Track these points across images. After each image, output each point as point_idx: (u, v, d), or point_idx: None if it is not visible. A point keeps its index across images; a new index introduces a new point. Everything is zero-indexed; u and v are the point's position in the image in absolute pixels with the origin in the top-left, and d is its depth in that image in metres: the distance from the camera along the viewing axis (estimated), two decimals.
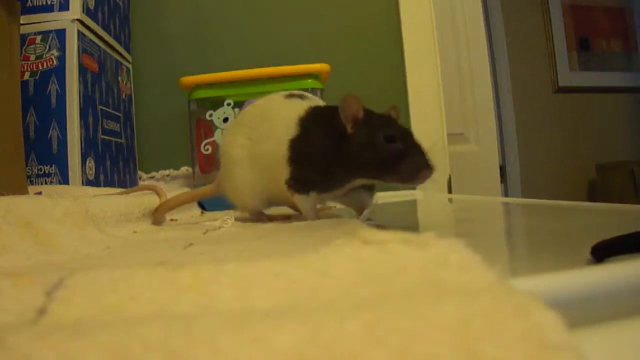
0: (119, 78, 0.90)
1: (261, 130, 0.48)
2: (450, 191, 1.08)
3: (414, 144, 0.40)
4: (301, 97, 0.49)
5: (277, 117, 0.47)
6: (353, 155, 0.41)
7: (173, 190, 0.73)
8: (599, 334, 0.17)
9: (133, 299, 0.16)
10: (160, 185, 1.00)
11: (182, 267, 0.17)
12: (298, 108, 0.46)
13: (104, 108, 0.80)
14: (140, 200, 0.52)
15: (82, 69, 0.71)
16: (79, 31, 0.70)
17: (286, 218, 0.51)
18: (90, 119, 0.74)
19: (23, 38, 0.67)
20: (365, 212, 0.46)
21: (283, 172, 0.45)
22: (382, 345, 0.11)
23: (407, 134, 0.41)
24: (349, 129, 0.41)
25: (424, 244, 0.17)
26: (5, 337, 0.12)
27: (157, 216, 0.53)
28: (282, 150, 0.44)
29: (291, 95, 0.50)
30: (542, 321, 0.12)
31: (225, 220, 0.49)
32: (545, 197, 0.81)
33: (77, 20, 0.70)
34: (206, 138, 0.83)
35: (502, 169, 1.65)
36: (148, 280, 0.17)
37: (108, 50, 0.84)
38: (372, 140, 0.40)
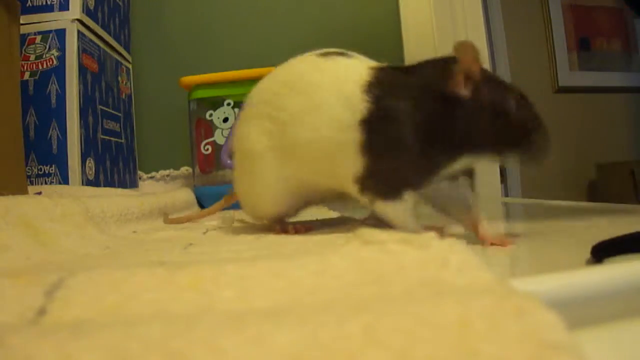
0: (119, 78, 0.90)
1: (293, 108, 0.35)
2: None
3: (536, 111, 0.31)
4: (344, 55, 0.36)
5: (321, 85, 0.34)
6: (470, 125, 0.30)
7: (173, 191, 0.73)
8: (599, 334, 0.17)
9: (133, 299, 0.16)
10: (160, 185, 1.00)
11: (182, 267, 0.17)
12: (355, 71, 0.33)
13: (103, 108, 0.80)
14: (140, 200, 0.52)
15: (82, 69, 0.71)
16: (78, 31, 0.70)
17: (309, 228, 0.40)
18: (90, 119, 0.74)
19: (23, 38, 0.67)
20: (477, 213, 0.33)
21: (346, 165, 0.32)
22: (382, 346, 0.11)
23: (527, 98, 0.31)
24: (464, 91, 0.30)
25: (424, 244, 0.17)
26: (5, 337, 0.12)
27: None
28: (345, 135, 0.32)
29: (328, 54, 0.37)
30: (542, 321, 0.12)
31: (225, 220, 0.49)
32: (545, 197, 0.80)
33: (77, 20, 0.70)
34: (206, 138, 0.83)
35: (502, 169, 1.65)
36: (148, 280, 0.17)
37: (108, 50, 0.84)
38: (502, 102, 0.30)
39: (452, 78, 0.30)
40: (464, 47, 0.29)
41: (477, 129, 0.30)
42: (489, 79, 0.31)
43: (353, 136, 0.32)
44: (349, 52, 0.37)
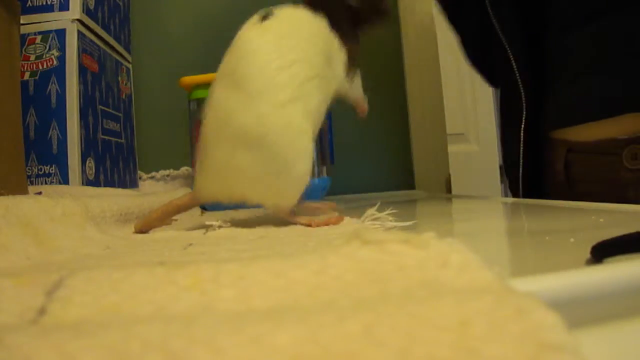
0: (119, 78, 0.90)
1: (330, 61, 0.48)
2: (449, 191, 1.08)
3: None
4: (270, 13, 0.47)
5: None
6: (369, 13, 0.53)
7: (173, 191, 0.73)
8: (599, 334, 0.17)
9: (133, 298, 0.16)
10: (160, 185, 1.00)
11: (182, 267, 0.17)
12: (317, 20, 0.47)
13: (104, 108, 0.80)
14: (140, 200, 0.52)
15: (82, 69, 0.71)
16: (79, 31, 0.70)
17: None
18: (90, 119, 0.74)
19: (23, 38, 0.67)
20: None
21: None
22: (382, 345, 0.11)
23: None
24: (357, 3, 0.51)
25: (424, 244, 0.17)
26: (5, 337, 0.12)
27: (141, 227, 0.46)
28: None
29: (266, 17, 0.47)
30: (542, 321, 0.12)
31: (225, 220, 0.49)
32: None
33: (77, 20, 0.70)
34: None
35: (502, 168, 1.64)
36: (148, 280, 0.17)
37: (108, 50, 0.84)
38: None
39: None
40: None
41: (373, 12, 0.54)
42: None
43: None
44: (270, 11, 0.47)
